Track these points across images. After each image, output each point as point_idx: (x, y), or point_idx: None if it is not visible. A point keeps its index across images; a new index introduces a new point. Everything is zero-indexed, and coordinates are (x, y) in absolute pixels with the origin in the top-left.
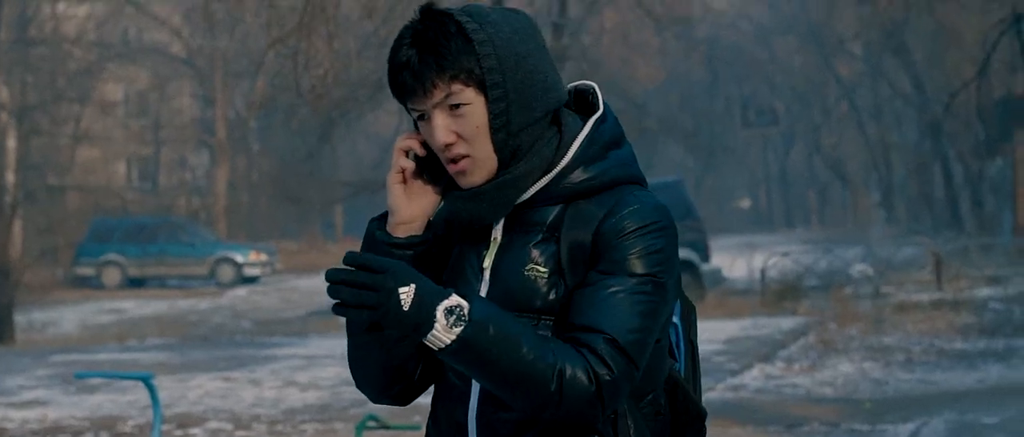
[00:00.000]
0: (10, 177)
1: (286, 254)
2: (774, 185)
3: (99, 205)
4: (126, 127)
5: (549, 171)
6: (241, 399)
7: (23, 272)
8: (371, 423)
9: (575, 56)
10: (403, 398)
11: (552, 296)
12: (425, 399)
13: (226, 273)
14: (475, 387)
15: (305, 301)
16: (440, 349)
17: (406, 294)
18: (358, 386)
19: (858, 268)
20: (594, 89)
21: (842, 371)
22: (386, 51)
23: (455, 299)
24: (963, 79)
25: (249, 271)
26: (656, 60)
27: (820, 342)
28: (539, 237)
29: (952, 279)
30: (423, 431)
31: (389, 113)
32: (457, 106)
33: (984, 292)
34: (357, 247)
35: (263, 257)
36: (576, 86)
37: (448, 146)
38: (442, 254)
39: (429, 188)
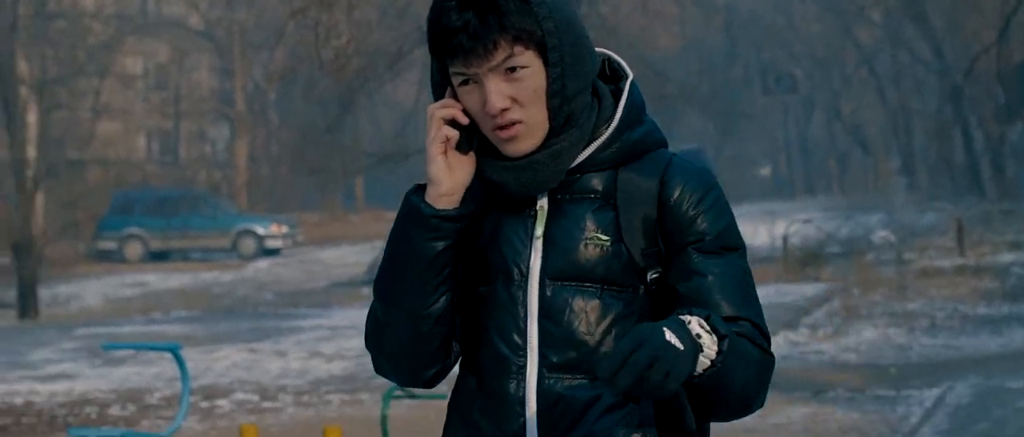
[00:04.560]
0: (31, 151)
1: (307, 226)
2: (794, 152)
3: (120, 178)
4: (146, 100)
5: (595, 137)
6: (267, 370)
7: (46, 246)
8: (398, 393)
9: (594, 24)
10: (437, 379)
11: (615, 265)
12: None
13: (248, 245)
14: (533, 360)
15: (327, 273)
16: (710, 363)
17: (673, 339)
18: (385, 369)
19: (880, 234)
20: (609, 55)
21: (866, 337)
22: (405, 21)
23: (686, 317)
24: (983, 44)
25: (271, 243)
26: (675, 27)
27: (844, 308)
28: (595, 205)
29: (974, 245)
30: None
31: (409, 83)
32: (514, 70)
33: (1006, 257)
34: (383, 217)
35: (284, 229)
36: None
37: (503, 111)
38: (471, 223)
39: (465, 158)
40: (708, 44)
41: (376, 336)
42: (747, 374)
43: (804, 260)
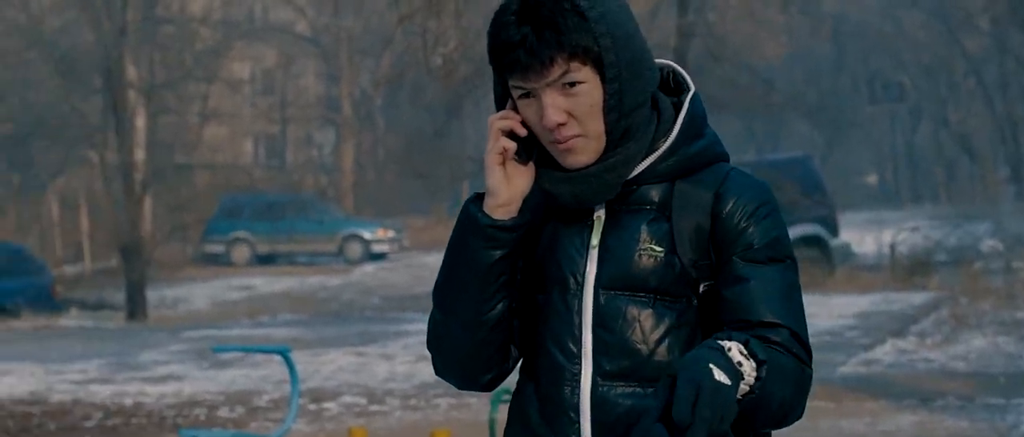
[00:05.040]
0: (139, 155)
1: (413, 231)
2: (901, 161)
3: (227, 183)
4: (253, 105)
5: (653, 149)
6: (374, 374)
7: (153, 249)
8: (506, 397)
9: (701, 32)
10: (494, 383)
11: (668, 275)
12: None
13: (354, 250)
14: (588, 367)
15: (433, 277)
16: (749, 389)
17: (721, 376)
18: (444, 373)
19: (988, 243)
20: (673, 67)
21: (975, 346)
22: None
23: (726, 343)
24: None
25: (377, 247)
26: (782, 36)
27: (952, 317)
28: (650, 216)
29: None
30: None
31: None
32: (571, 85)
33: None
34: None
35: (391, 234)
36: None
37: (559, 126)
38: (529, 232)
39: (524, 168)
40: (815, 53)
41: (436, 341)
42: (784, 392)
43: (912, 268)
